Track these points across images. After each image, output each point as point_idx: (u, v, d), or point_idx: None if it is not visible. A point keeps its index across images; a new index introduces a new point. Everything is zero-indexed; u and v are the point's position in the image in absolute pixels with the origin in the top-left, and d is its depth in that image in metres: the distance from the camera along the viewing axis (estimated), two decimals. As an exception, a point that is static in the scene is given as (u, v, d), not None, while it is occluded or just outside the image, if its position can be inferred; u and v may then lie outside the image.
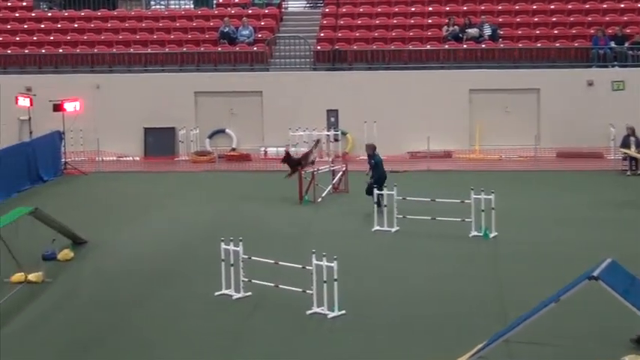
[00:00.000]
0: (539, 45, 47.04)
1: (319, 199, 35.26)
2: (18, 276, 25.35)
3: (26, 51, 49.00)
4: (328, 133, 45.04)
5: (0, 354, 20.18)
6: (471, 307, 22.52)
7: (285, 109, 45.36)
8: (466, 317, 21.69)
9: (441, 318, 21.89)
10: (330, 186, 36.57)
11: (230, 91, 46.37)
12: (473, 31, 47.37)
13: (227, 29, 48.30)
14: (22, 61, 48.59)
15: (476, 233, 29.43)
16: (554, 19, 48.89)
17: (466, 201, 29.99)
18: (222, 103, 46.46)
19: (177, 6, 54.76)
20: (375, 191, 31.36)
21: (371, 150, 33.64)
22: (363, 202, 32.25)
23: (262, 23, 49.79)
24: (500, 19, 49.17)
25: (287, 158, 36.52)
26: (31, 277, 25.36)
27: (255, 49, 47.77)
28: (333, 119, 45.67)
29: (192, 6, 53.84)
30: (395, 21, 49.57)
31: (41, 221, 27.62)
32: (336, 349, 20.26)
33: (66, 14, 51.91)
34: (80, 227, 29.62)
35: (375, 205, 30.98)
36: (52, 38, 49.85)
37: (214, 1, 52.87)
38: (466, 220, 29.69)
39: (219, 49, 48.04)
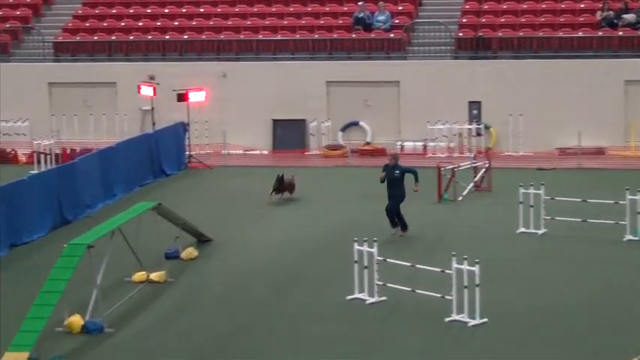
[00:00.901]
0: None
1: (460, 198, 35.10)
2: (140, 275, 25.82)
3: (149, 37, 49.59)
4: (470, 126, 44.72)
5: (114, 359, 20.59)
6: (626, 319, 22.25)
7: (424, 100, 45.13)
8: (620, 332, 21.43)
9: (594, 331, 21.70)
10: (472, 184, 36.37)
11: (364, 80, 46.24)
12: (630, 17, 46.60)
13: (362, 14, 48.24)
14: (145, 48, 49.18)
15: (631, 237, 29.02)
16: None
17: (621, 202, 29.59)
18: (356, 93, 46.36)
19: (309, -11, 54.95)
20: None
21: (395, 160, 30.57)
22: (508, 201, 31.99)
23: (400, 8, 49.60)
24: (660, 4, 48.30)
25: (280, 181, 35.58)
26: (154, 276, 25.81)
27: (391, 35, 47.59)
28: (475, 112, 45.27)
29: (324, -11, 53.96)
30: (544, 5, 48.98)
31: (164, 217, 28.01)
32: (478, 356, 20.20)
33: (192, -2, 52.49)
34: (204, 224, 29.99)
35: (397, 228, 30.03)
36: (176, 24, 50.34)
37: (348, -16, 52.87)
38: (620, 222, 29.30)
39: (354, 35, 47.96)
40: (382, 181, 29.91)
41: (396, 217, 29.89)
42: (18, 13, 52.43)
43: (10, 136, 47.56)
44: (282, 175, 35.03)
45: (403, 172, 29.93)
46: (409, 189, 29.97)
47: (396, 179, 29.66)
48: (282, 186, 34.81)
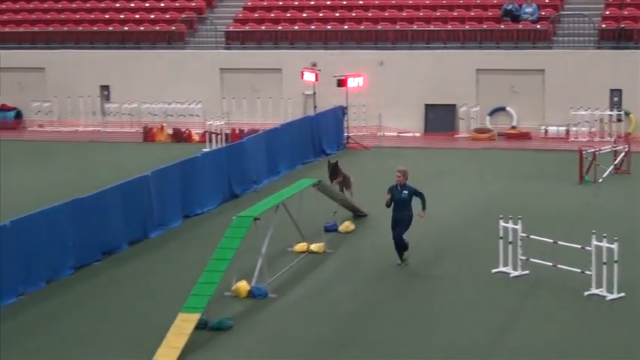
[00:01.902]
0: None
1: (600, 180, 34.60)
2: (301, 246, 26.07)
3: (312, 27, 49.80)
4: (611, 112, 43.99)
5: (277, 322, 20.79)
6: None
7: (567, 88, 44.50)
8: None
9: None
10: (612, 167, 35.83)
11: (511, 69, 45.89)
12: None
13: (510, 7, 47.79)
14: (309, 37, 49.40)
15: None
16: None
17: None
18: (504, 80, 46.01)
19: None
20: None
21: (404, 178, 24.75)
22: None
23: (546, 0, 49.00)
24: None
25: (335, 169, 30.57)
26: (313, 247, 26.03)
27: (538, 27, 47.03)
28: (616, 99, 44.56)
29: (476, -18, 53.47)
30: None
31: (324, 193, 28.15)
32: (615, 333, 19.93)
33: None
34: (360, 200, 30.07)
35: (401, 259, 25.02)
36: (337, 15, 50.48)
37: (499, -23, 52.38)
38: None
39: (502, 26, 47.57)
40: (388, 206, 24.53)
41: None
42: (193, 4, 53.14)
43: (185, 117, 48.36)
44: (336, 162, 31.40)
45: (412, 194, 24.53)
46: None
47: (404, 201, 24.29)
48: (335, 173, 31.13)
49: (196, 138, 45.07)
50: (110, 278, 24.28)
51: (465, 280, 23.57)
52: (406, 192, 24.15)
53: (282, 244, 25.61)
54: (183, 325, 19.53)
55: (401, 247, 24.51)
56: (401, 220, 24.32)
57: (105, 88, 50.56)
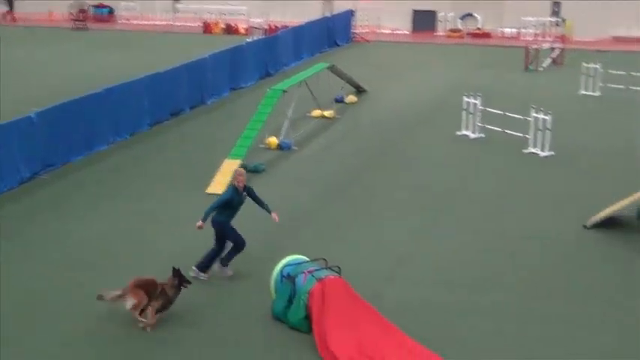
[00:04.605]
0: None
1: (540, 69, 34.26)
2: (317, 112, 25.96)
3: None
4: (551, 19, 43.26)
5: (298, 167, 20.87)
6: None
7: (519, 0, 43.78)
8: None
9: (629, 156, 21.26)
10: (550, 59, 35.44)
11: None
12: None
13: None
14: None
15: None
16: None
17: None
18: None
19: None
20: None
21: (244, 181, 14.41)
22: (574, 72, 31.00)
23: None
24: None
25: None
26: (326, 113, 25.92)
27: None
28: (556, 9, 43.83)
29: None
30: None
31: (335, 74, 28.00)
32: (545, 177, 20.02)
33: None
34: (362, 79, 29.88)
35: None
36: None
37: None
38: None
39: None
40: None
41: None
42: None
43: (233, 15, 47.75)
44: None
45: (252, 197, 14.51)
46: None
47: (241, 204, 14.35)
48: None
49: (242, 31, 44.63)
50: (176, 133, 24.33)
51: (436, 139, 23.53)
52: (245, 194, 14.43)
53: (303, 111, 25.51)
54: (229, 167, 19.62)
55: (243, 246, 14.42)
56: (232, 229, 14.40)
57: (175, -8, 50.00)
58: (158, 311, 12.63)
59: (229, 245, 14.33)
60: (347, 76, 28.76)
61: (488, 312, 13.21)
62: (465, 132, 23.72)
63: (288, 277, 12.73)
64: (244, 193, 14.41)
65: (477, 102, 23.68)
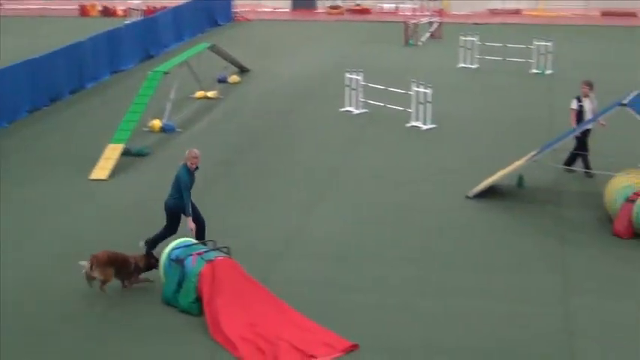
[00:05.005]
0: None
1: (419, 43, 34.73)
2: (200, 93, 25.76)
3: None
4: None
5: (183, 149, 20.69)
6: (528, 124, 22.29)
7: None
8: (525, 131, 21.51)
9: (508, 126, 21.82)
10: (428, 33, 35.96)
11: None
12: None
13: None
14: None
15: (535, 71, 28.82)
16: None
17: (529, 46, 29.30)
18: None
19: None
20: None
21: (198, 161, 14.02)
22: (452, 45, 31.56)
23: None
24: None
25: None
26: (209, 94, 25.75)
27: None
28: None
29: None
30: None
31: (217, 54, 27.81)
32: (428, 149, 20.37)
33: None
34: (245, 59, 29.75)
35: None
36: None
37: None
38: (529, 60, 29.07)
39: None
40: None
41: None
42: None
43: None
44: None
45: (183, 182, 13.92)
46: None
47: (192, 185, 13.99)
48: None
49: (121, 13, 43.78)
50: (56, 119, 23.78)
51: (320, 116, 23.64)
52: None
53: (186, 92, 25.27)
54: (112, 152, 19.32)
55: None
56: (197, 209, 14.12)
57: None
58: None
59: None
60: (229, 55, 28.58)
61: (376, 285, 13.41)
62: (348, 108, 23.91)
63: (177, 261, 12.65)
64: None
65: (358, 78, 23.88)
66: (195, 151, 13.99)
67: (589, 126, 17.95)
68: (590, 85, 18.40)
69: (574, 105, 18.37)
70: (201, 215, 14.01)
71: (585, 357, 11.33)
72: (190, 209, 13.66)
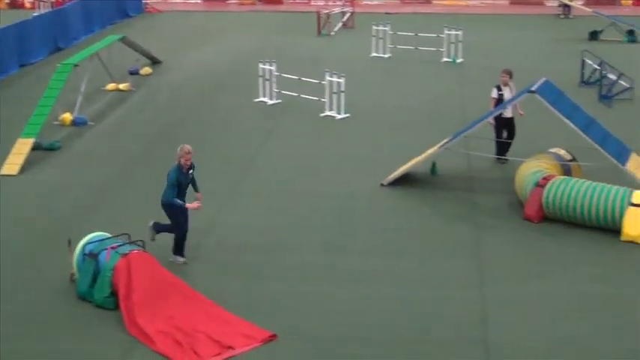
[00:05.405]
0: None
1: (332, 33, 34.86)
2: (111, 85, 25.39)
3: None
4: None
5: (95, 142, 20.37)
6: (442, 112, 22.54)
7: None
8: (437, 119, 21.76)
9: (420, 115, 22.05)
10: (341, 23, 36.12)
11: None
12: None
13: None
14: None
15: (446, 59, 29.19)
16: None
17: (440, 35, 29.66)
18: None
19: None
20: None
21: (191, 157, 13.62)
22: (365, 35, 31.76)
23: None
24: None
25: None
26: (121, 86, 25.40)
27: None
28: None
29: None
30: None
31: (128, 46, 27.44)
32: (343, 138, 20.45)
33: None
34: (157, 51, 29.43)
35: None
36: None
37: None
38: (439, 49, 29.43)
39: None
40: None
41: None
42: None
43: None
44: None
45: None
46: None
47: (188, 185, 13.74)
48: None
49: (28, 5, 42.90)
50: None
51: (234, 106, 23.53)
52: (192, 172, 13.78)
53: (97, 85, 24.89)
54: (22, 147, 18.92)
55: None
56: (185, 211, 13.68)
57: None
58: None
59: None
60: (140, 47, 28.23)
61: (293, 274, 13.43)
62: (262, 98, 23.86)
63: (91, 255, 12.47)
64: (191, 172, 13.54)
65: (272, 68, 23.84)
66: (187, 147, 13.46)
67: (508, 114, 18.24)
68: (509, 73, 18.65)
69: (494, 94, 18.60)
70: (187, 223, 13.61)
71: (499, 339, 11.54)
72: (179, 203, 13.30)
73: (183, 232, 13.63)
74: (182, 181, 13.46)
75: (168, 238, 14.00)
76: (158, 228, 13.76)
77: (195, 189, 13.89)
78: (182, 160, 13.43)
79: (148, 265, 12.33)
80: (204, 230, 14.95)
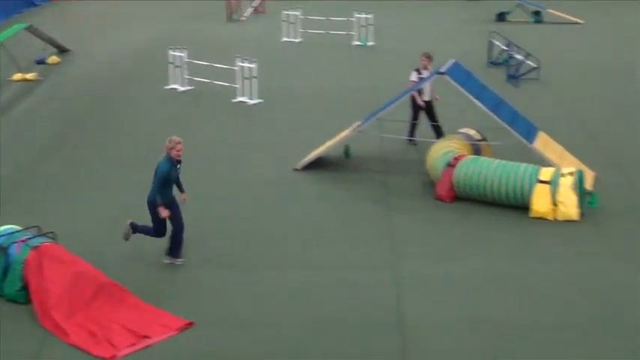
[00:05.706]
0: None
1: (243, 18, 34.71)
2: (18, 76, 24.86)
3: None
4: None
5: (6, 130, 19.95)
6: (353, 95, 22.67)
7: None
8: (350, 102, 21.87)
9: (333, 98, 22.13)
10: (252, 8, 36.00)
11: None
12: None
13: None
14: None
15: (357, 43, 29.35)
16: None
17: (350, 19, 29.80)
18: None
19: None
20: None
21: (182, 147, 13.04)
22: (276, 20, 31.71)
23: None
24: None
25: None
26: (28, 76, 24.89)
27: None
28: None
29: None
30: None
31: (34, 35, 26.93)
32: (255, 124, 20.41)
33: None
34: (65, 39, 28.90)
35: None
36: None
37: None
38: (350, 33, 29.57)
39: None
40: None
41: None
42: None
43: None
44: None
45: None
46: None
47: (177, 179, 13.12)
48: None
49: None
50: None
51: (145, 96, 23.25)
52: (179, 167, 13.11)
53: (3, 75, 24.43)
54: None
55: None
56: (177, 206, 13.08)
57: None
58: None
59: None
60: (47, 36, 27.69)
61: (210, 261, 13.38)
62: (173, 86, 23.64)
63: (1, 249, 12.20)
64: (179, 167, 12.75)
65: (182, 55, 23.64)
66: (175, 138, 12.75)
67: (426, 97, 18.35)
68: (429, 57, 18.74)
69: (413, 77, 18.68)
70: (182, 219, 12.98)
71: (414, 320, 11.68)
72: (161, 199, 12.56)
73: (181, 228, 12.94)
74: (173, 175, 12.71)
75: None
76: (137, 228, 13.15)
77: (181, 188, 13.13)
78: (173, 152, 12.65)
79: (60, 256, 12.12)
80: (117, 221, 14.75)
